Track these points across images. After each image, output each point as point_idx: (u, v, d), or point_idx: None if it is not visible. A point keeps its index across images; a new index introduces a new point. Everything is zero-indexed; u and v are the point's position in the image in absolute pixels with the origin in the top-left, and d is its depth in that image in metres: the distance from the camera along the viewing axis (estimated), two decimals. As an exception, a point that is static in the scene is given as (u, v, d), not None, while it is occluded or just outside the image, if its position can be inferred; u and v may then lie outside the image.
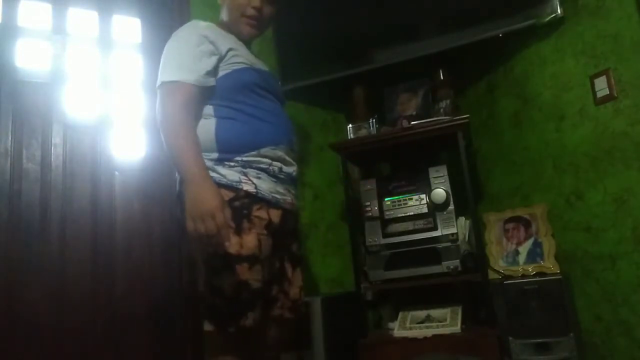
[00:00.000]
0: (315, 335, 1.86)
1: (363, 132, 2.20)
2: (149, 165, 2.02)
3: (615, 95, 1.80)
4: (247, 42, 1.49)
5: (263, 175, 1.31)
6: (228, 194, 1.25)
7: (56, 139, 1.90)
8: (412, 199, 2.08)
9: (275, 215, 1.33)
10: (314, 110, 2.61)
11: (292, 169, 1.40)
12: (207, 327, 1.24)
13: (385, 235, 2.09)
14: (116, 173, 1.98)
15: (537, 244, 2.01)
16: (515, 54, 2.20)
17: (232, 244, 1.21)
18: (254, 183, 1.28)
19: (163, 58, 1.34)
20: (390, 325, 2.04)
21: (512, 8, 2.09)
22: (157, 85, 1.31)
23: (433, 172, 2.09)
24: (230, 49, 1.36)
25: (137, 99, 2.13)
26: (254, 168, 1.30)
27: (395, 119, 2.22)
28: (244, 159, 1.29)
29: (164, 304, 1.95)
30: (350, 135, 2.22)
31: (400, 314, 2.04)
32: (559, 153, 2.01)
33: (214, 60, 1.32)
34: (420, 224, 2.06)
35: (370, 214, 2.13)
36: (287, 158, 1.38)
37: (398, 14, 2.31)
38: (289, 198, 1.38)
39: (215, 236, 1.15)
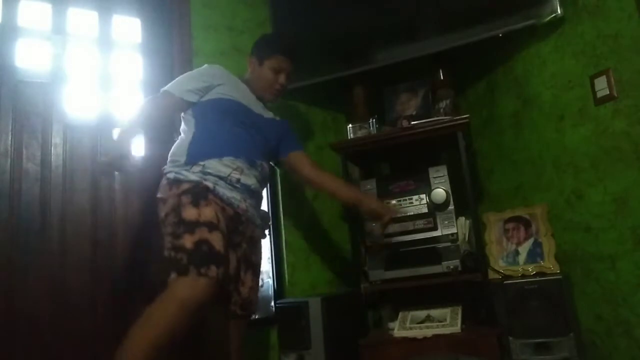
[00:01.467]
0: (315, 335, 1.86)
1: (363, 132, 2.20)
2: (149, 165, 2.02)
3: (615, 95, 1.80)
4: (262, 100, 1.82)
5: (221, 182, 1.55)
6: (188, 185, 1.50)
7: (56, 139, 1.90)
8: (412, 199, 2.09)
9: (229, 210, 1.55)
10: (314, 110, 2.61)
11: (251, 182, 1.62)
12: (171, 277, 1.36)
13: (385, 235, 2.09)
14: (116, 173, 1.98)
15: (537, 244, 2.01)
16: (515, 54, 2.20)
17: (191, 214, 1.44)
18: (212, 184, 1.52)
19: None
20: (390, 325, 2.04)
21: (512, 8, 2.09)
22: None
23: (433, 172, 2.09)
24: (220, 84, 1.70)
25: (137, 99, 2.13)
26: (213, 176, 1.54)
27: (395, 119, 2.22)
28: (205, 163, 1.54)
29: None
30: (350, 135, 2.22)
31: (400, 314, 2.03)
32: (559, 153, 2.01)
33: (202, 85, 1.68)
34: (420, 223, 2.06)
35: (370, 213, 2.12)
36: (247, 170, 1.61)
37: (398, 13, 2.32)
38: (243, 205, 1.59)
39: (112, 163, 1.42)
